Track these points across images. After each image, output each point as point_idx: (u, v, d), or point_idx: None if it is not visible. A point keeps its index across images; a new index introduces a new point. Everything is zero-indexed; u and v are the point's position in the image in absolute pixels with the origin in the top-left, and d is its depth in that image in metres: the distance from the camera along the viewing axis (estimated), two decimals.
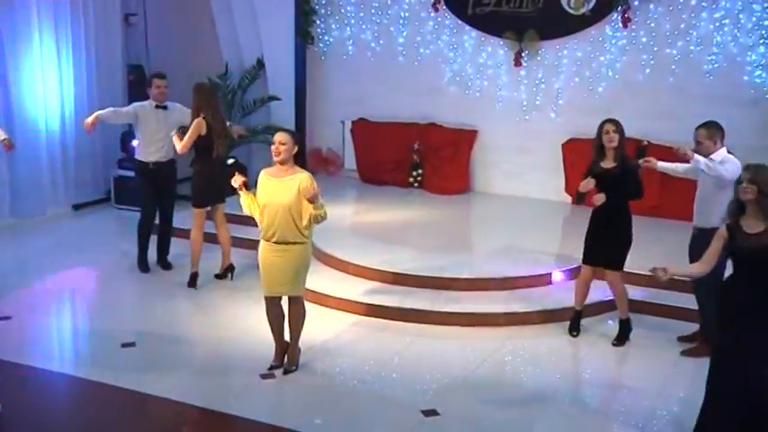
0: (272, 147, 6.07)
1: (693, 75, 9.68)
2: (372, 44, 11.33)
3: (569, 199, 10.49)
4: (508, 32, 10.40)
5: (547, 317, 7.37)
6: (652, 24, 9.78)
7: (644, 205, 9.81)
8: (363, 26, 11.34)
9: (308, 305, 6.57)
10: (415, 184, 11.22)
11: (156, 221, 8.63)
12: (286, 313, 6.35)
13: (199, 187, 8.11)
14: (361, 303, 7.51)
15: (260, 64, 11.65)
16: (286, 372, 6.33)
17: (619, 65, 10.04)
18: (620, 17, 9.84)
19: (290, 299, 6.29)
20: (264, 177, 6.16)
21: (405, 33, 11.12)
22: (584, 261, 6.99)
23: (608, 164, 6.74)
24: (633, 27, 9.86)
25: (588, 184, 6.74)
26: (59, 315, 7.84)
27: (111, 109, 8.30)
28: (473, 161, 11.03)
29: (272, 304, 6.31)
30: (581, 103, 10.26)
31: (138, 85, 10.49)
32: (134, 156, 8.65)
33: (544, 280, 7.94)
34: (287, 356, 6.38)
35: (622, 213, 6.83)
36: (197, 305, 7.82)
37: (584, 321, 7.25)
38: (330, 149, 11.79)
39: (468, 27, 10.74)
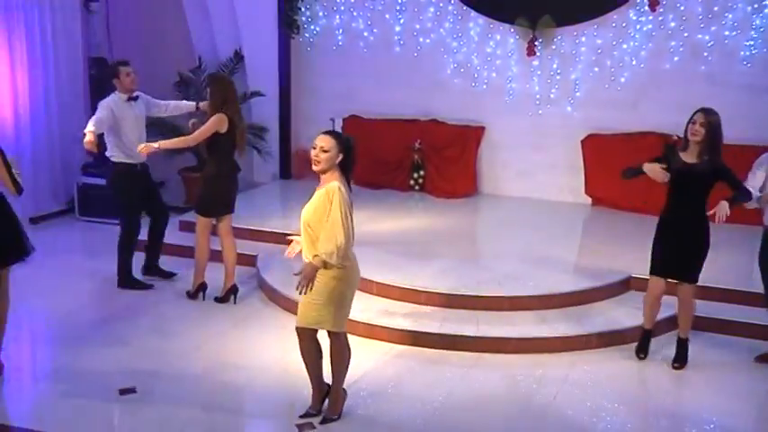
0: (312, 152, 4.94)
1: (729, 62, 8.85)
2: (365, 33, 10.24)
3: (589, 200, 9.63)
4: (520, 19, 9.41)
5: (607, 340, 6.38)
6: (682, 7, 8.92)
7: (634, 202, 9.03)
8: (355, 13, 10.24)
9: None
10: (416, 187, 10.18)
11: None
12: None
13: (211, 193, 7.07)
14: (397, 330, 6.42)
15: (238, 56, 10.50)
16: (324, 421, 5.21)
17: (644, 53, 9.15)
18: (646, 0, 8.94)
19: (328, 334, 5.17)
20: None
21: (402, 21, 10.06)
22: (655, 273, 5.99)
23: (690, 158, 5.75)
24: (660, 11, 8.97)
25: (663, 175, 5.73)
26: (19, 362, 6.23)
27: (92, 122, 7.04)
28: (480, 161, 10.03)
29: (304, 337, 5.18)
30: (601, 95, 9.35)
31: (101, 81, 9.19)
32: (109, 160, 7.37)
33: (591, 296, 6.94)
34: (328, 402, 5.26)
35: (702, 217, 5.85)
36: (202, 332, 6.60)
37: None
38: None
39: (473, 13, 9.74)
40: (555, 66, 9.52)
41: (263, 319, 6.90)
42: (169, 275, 7.66)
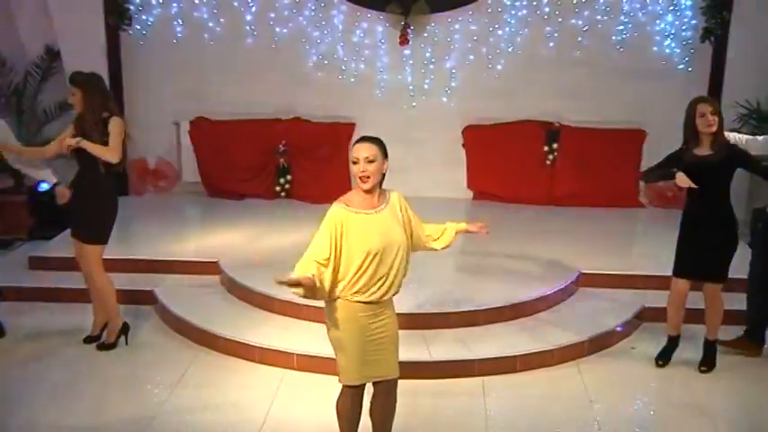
0: (355, 167, 3.94)
1: (602, 47, 8.83)
2: (210, 24, 9.02)
3: (471, 194, 9.22)
4: (392, 5, 8.74)
5: (595, 346, 5.90)
6: None
7: (559, 194, 8.93)
8: (196, 1, 8.97)
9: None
10: (283, 194, 9.15)
11: None
12: None
13: (108, 213, 5.76)
14: None
15: (51, 54, 8.82)
16: None
17: (519, 39, 8.88)
18: None
19: (385, 385, 4.20)
20: (349, 214, 3.98)
21: (254, 9, 8.97)
22: (681, 275, 5.56)
23: (703, 151, 5.39)
24: None
25: (686, 180, 5.33)
26: None
27: None
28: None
29: (360, 395, 4.17)
30: (478, 84, 8.97)
31: None
32: None
33: (552, 300, 6.44)
34: None
35: (727, 211, 5.48)
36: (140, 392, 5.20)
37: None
38: (161, 159, 9.24)
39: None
40: (428, 54, 8.97)
41: (206, 362, 5.66)
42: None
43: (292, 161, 9.10)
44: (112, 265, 6.55)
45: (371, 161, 3.92)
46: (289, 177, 9.12)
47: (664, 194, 8.95)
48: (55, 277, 6.81)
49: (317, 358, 5.53)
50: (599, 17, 8.76)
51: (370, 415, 4.24)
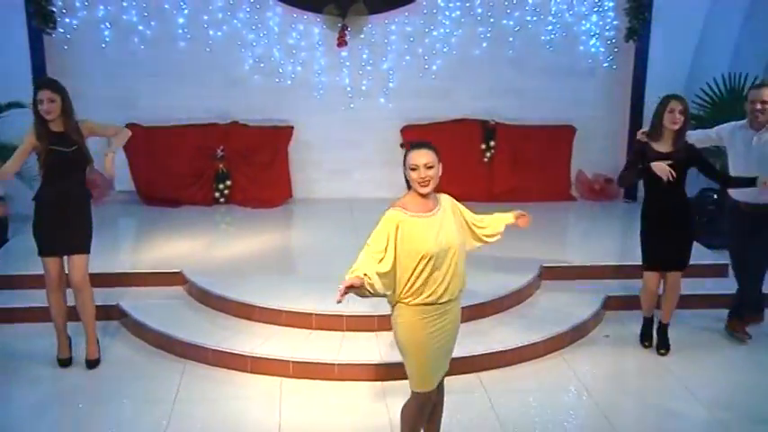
0: (413, 174, 3.97)
1: (532, 47, 9.13)
2: (140, 27, 8.73)
3: None
4: (330, 6, 8.74)
5: (558, 342, 6.07)
6: None
7: (497, 190, 9.18)
8: (124, 3, 8.67)
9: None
10: (222, 200, 8.98)
11: None
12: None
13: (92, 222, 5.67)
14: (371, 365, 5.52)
15: None
16: None
17: (454, 39, 9.07)
18: None
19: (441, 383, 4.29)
20: (405, 217, 3.99)
21: (186, 11, 8.75)
22: (651, 268, 5.85)
23: (664, 147, 5.68)
24: None
25: (665, 168, 5.52)
26: None
27: None
28: (291, 163, 9.15)
29: (429, 401, 4.22)
30: (415, 84, 9.09)
31: None
32: None
33: (524, 294, 6.63)
34: None
35: (686, 204, 5.82)
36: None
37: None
38: (91, 167, 8.83)
39: (272, 1, 8.81)
40: (366, 56, 9.02)
41: (196, 375, 5.50)
42: None
43: (231, 166, 8.94)
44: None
45: (431, 167, 3.97)
46: (228, 183, 8.95)
47: (593, 188, 9.37)
48: None
49: (313, 364, 5.51)
50: (529, 18, 9.06)
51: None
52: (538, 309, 6.43)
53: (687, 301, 6.33)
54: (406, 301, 4.02)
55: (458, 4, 8.97)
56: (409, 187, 4.11)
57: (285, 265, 7.36)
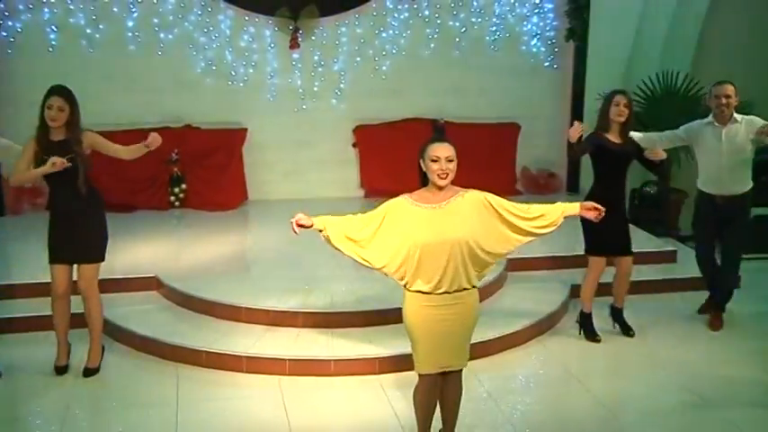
0: (434, 165, 4.11)
1: (478, 47, 9.45)
2: (88, 30, 8.62)
3: (363, 192, 9.52)
4: (282, 10, 8.81)
5: (537, 329, 6.35)
6: None
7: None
8: (71, 6, 8.53)
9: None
10: (177, 203, 8.93)
11: None
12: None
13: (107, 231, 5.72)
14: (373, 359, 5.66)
15: None
16: None
17: (403, 41, 9.29)
18: None
19: (451, 374, 4.40)
20: (407, 206, 4.18)
21: (135, 15, 8.68)
22: (598, 254, 6.15)
23: (615, 138, 6.03)
24: None
25: (577, 128, 5.85)
26: None
27: None
28: (245, 165, 9.19)
29: (435, 384, 4.35)
30: (366, 84, 9.28)
31: None
32: None
33: (494, 287, 6.86)
34: None
35: (624, 194, 6.26)
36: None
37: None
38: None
39: (223, 4, 8.82)
40: (317, 58, 9.14)
41: (193, 378, 5.53)
42: None
43: (185, 170, 8.90)
44: (29, 291, 6.30)
45: (451, 160, 4.12)
46: (183, 186, 8.90)
47: (537, 182, 9.77)
48: None
49: (309, 361, 5.62)
50: (474, 19, 9.37)
51: (440, 399, 4.44)
52: (510, 300, 6.69)
53: (639, 287, 6.80)
54: (407, 286, 4.21)
55: (406, 6, 9.20)
56: (424, 183, 4.25)
57: (258, 265, 7.38)
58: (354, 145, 9.46)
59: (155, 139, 5.48)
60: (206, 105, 8.93)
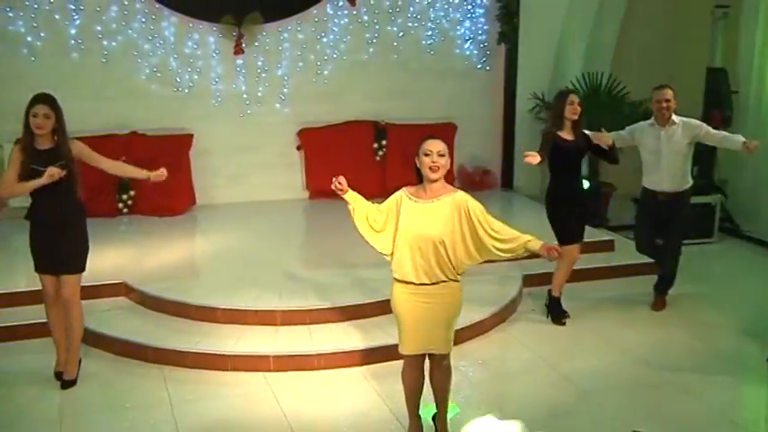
0: (426, 159, 4.41)
1: (415, 51, 9.82)
2: (29, 38, 8.55)
3: (307, 194, 9.75)
4: (227, 17, 8.95)
5: (500, 317, 6.75)
6: (372, 2, 9.56)
7: (391, 186, 9.69)
8: (10, 14, 8.45)
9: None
10: (125, 210, 8.95)
11: None
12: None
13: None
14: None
15: None
16: None
17: (344, 45, 9.57)
18: None
19: (435, 358, 4.71)
20: (405, 198, 4.52)
21: (78, 22, 8.66)
22: (570, 242, 6.56)
23: (567, 135, 6.49)
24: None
25: (535, 158, 6.11)
26: None
27: None
28: (192, 170, 9.28)
29: (417, 365, 4.69)
30: (308, 89, 9.52)
31: None
32: None
33: None
34: None
35: (582, 185, 6.77)
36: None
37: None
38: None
39: (167, 11, 8.89)
40: (261, 63, 9.32)
41: (179, 378, 5.66)
42: None
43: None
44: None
45: (443, 155, 4.43)
46: (132, 193, 8.92)
47: (473, 180, 10.21)
48: None
49: (293, 357, 5.85)
50: (411, 24, 9.73)
51: (430, 383, 4.77)
52: (468, 291, 7.02)
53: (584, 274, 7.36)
54: (394, 274, 4.54)
55: (345, 12, 9.48)
56: (420, 180, 4.56)
57: (223, 267, 7.40)
58: (299, 148, 9.67)
59: (160, 176, 5.77)
60: (152, 112, 8.99)
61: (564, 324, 6.71)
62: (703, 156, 8.49)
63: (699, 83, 9.56)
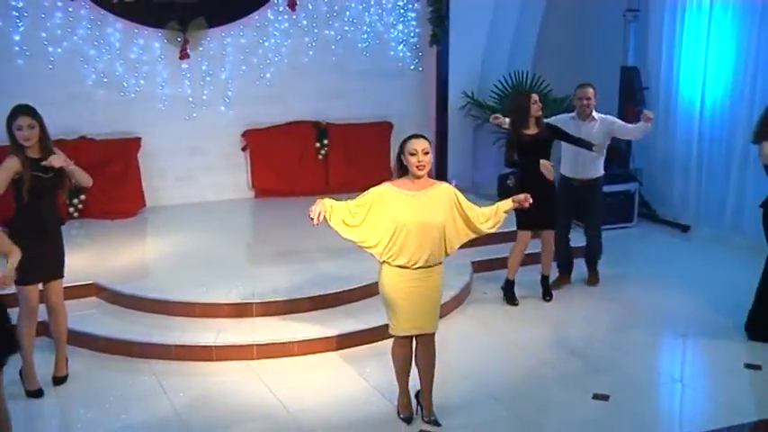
0: (412, 158, 4.85)
1: (351, 53, 10.24)
2: None
3: (253, 194, 10.06)
4: (173, 22, 9.18)
5: (458, 300, 7.28)
6: (311, 6, 9.93)
7: (333, 183, 10.17)
8: None
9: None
10: (76, 214, 9.06)
11: None
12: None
13: None
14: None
15: None
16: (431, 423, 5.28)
17: (284, 49, 9.91)
18: (285, 1, 9.71)
19: (423, 338, 5.18)
20: (391, 192, 4.92)
21: (22, 29, 8.72)
22: (526, 228, 7.16)
23: (532, 131, 7.09)
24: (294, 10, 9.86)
25: (547, 165, 6.97)
26: None
27: None
28: (141, 172, 9.46)
29: (407, 344, 5.17)
30: (252, 91, 9.82)
31: None
32: None
33: None
34: (424, 409, 5.30)
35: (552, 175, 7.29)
36: None
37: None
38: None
39: (112, 17, 9.04)
40: (205, 67, 9.56)
41: (168, 371, 5.95)
42: None
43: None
44: None
45: (427, 153, 4.87)
46: (82, 197, 9.04)
47: None
48: None
49: (274, 345, 6.23)
50: (347, 28, 10.15)
51: (416, 363, 5.24)
52: None
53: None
54: (390, 261, 4.95)
55: (285, 17, 9.82)
56: (404, 173, 4.99)
57: (189, 264, 7.54)
58: (244, 149, 9.97)
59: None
60: (99, 117, 9.12)
61: (516, 304, 7.29)
62: (619, 148, 9.38)
63: (614, 80, 10.35)
